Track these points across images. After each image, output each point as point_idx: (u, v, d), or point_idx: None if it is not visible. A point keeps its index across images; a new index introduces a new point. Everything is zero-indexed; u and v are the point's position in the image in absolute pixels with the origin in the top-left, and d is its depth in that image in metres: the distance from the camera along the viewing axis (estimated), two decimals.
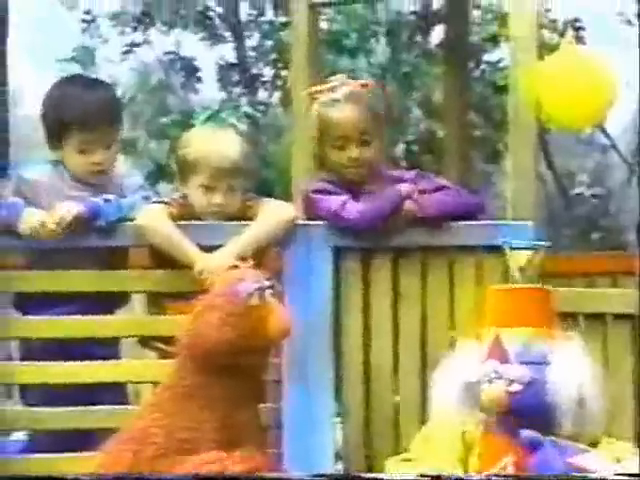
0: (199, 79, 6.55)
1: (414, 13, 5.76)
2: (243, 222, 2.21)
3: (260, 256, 2.16)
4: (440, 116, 4.46)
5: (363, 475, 2.11)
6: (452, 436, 2.03)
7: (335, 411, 2.23)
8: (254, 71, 6.52)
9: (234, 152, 2.21)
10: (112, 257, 2.24)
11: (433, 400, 2.09)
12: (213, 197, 2.21)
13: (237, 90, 6.54)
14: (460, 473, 1.98)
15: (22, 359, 2.26)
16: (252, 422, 2.04)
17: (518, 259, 2.15)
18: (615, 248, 5.53)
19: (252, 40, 6.56)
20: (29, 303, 2.22)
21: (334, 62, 5.33)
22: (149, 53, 6.61)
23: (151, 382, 2.18)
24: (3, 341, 2.38)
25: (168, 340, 2.12)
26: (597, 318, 2.22)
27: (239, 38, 6.56)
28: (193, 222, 2.21)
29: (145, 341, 2.27)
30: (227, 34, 6.58)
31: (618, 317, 2.22)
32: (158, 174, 5.86)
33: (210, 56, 6.61)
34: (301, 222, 2.24)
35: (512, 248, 2.15)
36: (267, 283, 2.00)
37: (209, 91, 6.63)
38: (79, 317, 2.17)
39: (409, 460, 2.06)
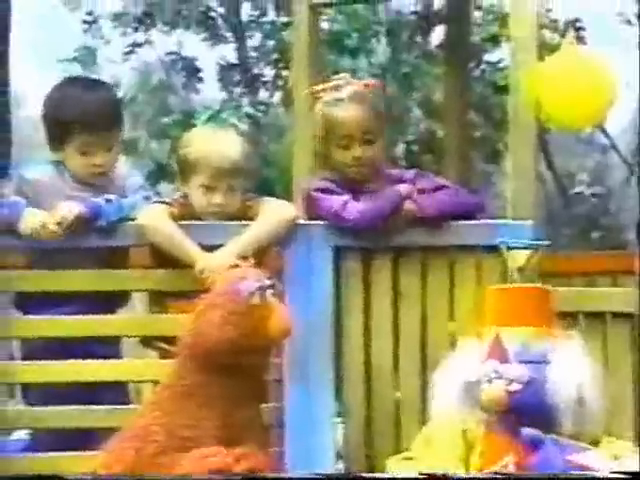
0: (200, 79, 6.55)
1: (415, 13, 5.77)
2: (244, 222, 2.22)
3: (261, 256, 2.17)
4: (440, 116, 4.46)
5: (364, 475, 2.11)
6: (453, 435, 2.04)
7: (336, 411, 2.23)
8: (255, 71, 6.52)
9: (235, 152, 2.22)
10: (113, 257, 2.25)
11: (434, 400, 2.09)
12: (214, 197, 2.21)
13: (238, 90, 6.54)
14: (462, 472, 1.99)
15: (23, 358, 2.26)
16: (253, 421, 2.05)
17: (516, 259, 2.16)
18: (615, 247, 5.53)
19: (253, 40, 6.57)
20: (30, 303, 2.23)
21: (335, 62, 5.34)
22: (151, 53, 6.63)
23: (152, 381, 2.18)
24: (5, 341, 2.39)
25: (170, 339, 2.12)
26: (597, 317, 2.23)
27: (240, 38, 6.57)
28: (194, 222, 2.22)
29: (147, 341, 2.27)
30: (228, 34, 6.58)
31: (618, 316, 2.22)
32: (159, 174, 5.87)
33: (211, 56, 6.62)
34: (302, 222, 2.24)
35: (509, 248, 2.15)
36: (268, 282, 2.01)
37: (210, 91, 6.64)
38: (80, 317, 2.18)
39: (410, 459, 2.07)
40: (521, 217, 2.26)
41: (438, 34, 5.46)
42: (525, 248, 2.16)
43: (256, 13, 6.55)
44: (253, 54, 6.55)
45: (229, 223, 2.22)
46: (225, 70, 6.54)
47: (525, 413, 2.00)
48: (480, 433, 2.03)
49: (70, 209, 2.17)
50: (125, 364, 2.25)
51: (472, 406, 2.04)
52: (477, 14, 5.43)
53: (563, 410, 2.00)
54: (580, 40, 4.93)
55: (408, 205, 2.23)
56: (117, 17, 6.43)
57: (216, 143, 2.23)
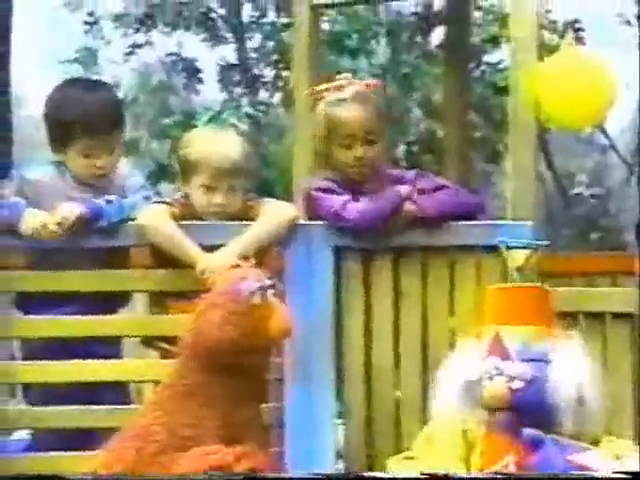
0: (201, 80, 6.56)
1: (415, 14, 5.77)
2: (244, 222, 2.22)
3: (261, 256, 2.17)
4: (440, 116, 4.46)
5: (364, 474, 2.11)
6: (454, 435, 2.04)
7: (336, 411, 2.23)
8: (255, 72, 6.52)
9: (235, 152, 2.22)
10: (113, 257, 2.25)
11: (435, 399, 2.10)
12: (214, 197, 2.22)
13: (238, 91, 6.55)
14: (462, 472, 1.99)
15: (24, 358, 2.27)
16: (254, 421, 2.05)
17: (515, 259, 2.16)
18: (614, 248, 5.53)
19: (254, 41, 6.57)
20: (31, 303, 2.23)
21: (335, 63, 5.34)
22: (151, 54, 6.63)
23: (153, 381, 2.18)
24: (5, 341, 2.39)
25: (170, 340, 2.13)
26: (596, 317, 2.23)
27: (241, 39, 6.57)
28: (194, 222, 2.22)
29: (148, 341, 2.28)
30: (229, 35, 6.59)
31: (617, 316, 2.23)
32: (160, 174, 5.88)
33: (212, 57, 6.62)
34: (302, 222, 2.25)
35: (509, 248, 2.16)
36: (269, 282, 2.01)
37: (211, 92, 6.64)
38: (81, 317, 2.18)
39: (411, 458, 2.07)
40: (521, 217, 2.26)
41: (438, 35, 5.47)
42: (524, 248, 2.16)
43: (256, 14, 6.55)
44: (253, 55, 6.55)
45: (230, 223, 2.22)
46: (225, 71, 6.54)
47: (526, 411, 2.00)
48: (481, 433, 2.03)
49: (71, 210, 2.17)
50: (126, 364, 2.25)
51: (473, 405, 2.05)
52: (477, 15, 5.43)
53: (564, 409, 2.01)
54: (579, 41, 4.94)
55: (408, 206, 2.23)
56: (118, 18, 6.44)
57: (217, 143, 2.23)
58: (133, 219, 2.22)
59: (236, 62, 6.61)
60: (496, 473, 1.98)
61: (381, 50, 5.72)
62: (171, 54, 6.58)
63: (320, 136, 2.29)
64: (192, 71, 6.52)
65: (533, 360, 2.02)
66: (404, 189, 2.25)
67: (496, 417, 2.02)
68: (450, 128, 3.15)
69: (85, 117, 2.23)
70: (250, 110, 6.18)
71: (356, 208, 2.21)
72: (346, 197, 2.23)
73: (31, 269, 2.25)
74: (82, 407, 2.16)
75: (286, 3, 5.68)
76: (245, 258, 2.10)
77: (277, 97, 6.43)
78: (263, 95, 6.53)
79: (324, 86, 2.32)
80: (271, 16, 6.50)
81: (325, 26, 5.28)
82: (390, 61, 5.67)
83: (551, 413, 2.01)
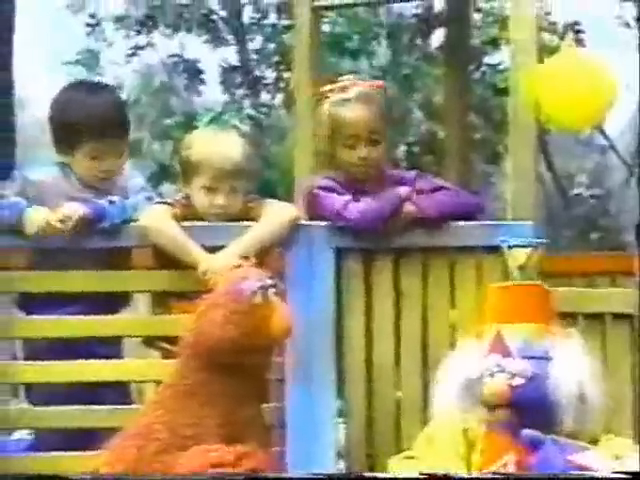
0: (202, 81, 6.56)
1: (415, 16, 5.78)
2: (246, 223, 2.23)
3: (262, 257, 2.18)
4: (441, 118, 4.47)
5: (365, 474, 2.12)
6: (454, 434, 2.05)
7: (337, 410, 2.24)
8: (257, 73, 6.53)
9: (236, 154, 2.23)
10: (114, 258, 2.26)
11: (435, 398, 2.10)
12: (216, 198, 2.23)
13: (240, 92, 6.55)
14: (463, 472, 1.99)
15: (26, 359, 2.27)
16: (255, 420, 2.06)
17: (517, 257, 2.17)
18: (614, 248, 5.53)
19: (255, 43, 6.58)
20: (33, 303, 2.24)
21: (336, 64, 5.35)
22: (153, 56, 6.63)
23: (154, 381, 2.19)
24: (8, 341, 2.40)
25: (172, 340, 2.13)
26: (596, 318, 2.24)
27: (242, 41, 6.58)
28: (196, 223, 2.23)
29: (150, 341, 2.29)
30: (230, 37, 6.59)
31: (617, 317, 2.24)
32: (162, 175, 5.89)
33: (213, 59, 6.63)
34: (303, 223, 2.25)
35: (510, 247, 2.17)
36: (270, 282, 2.02)
37: (212, 93, 6.65)
38: (83, 317, 2.19)
39: (412, 458, 2.07)
40: (521, 218, 2.27)
41: (438, 37, 5.47)
42: (525, 246, 2.17)
43: (257, 16, 6.56)
44: (255, 56, 6.56)
45: (231, 224, 2.23)
46: (227, 72, 6.55)
47: (526, 408, 2.00)
48: (481, 431, 2.04)
49: (74, 209, 2.18)
50: (128, 364, 2.26)
51: (473, 403, 2.05)
52: (477, 17, 5.44)
53: (565, 406, 2.02)
54: (579, 42, 4.94)
55: (408, 206, 2.24)
56: (119, 20, 6.44)
57: (218, 145, 2.24)
58: (135, 220, 2.23)
59: (237, 64, 6.62)
60: (496, 473, 1.98)
61: (382, 52, 5.73)
62: (173, 56, 6.58)
63: (324, 136, 2.30)
64: (194, 72, 6.53)
65: (534, 358, 2.03)
66: (404, 190, 2.26)
67: (496, 415, 2.02)
68: (450, 129, 3.16)
69: (93, 120, 2.23)
70: (252, 111, 6.19)
71: (357, 208, 2.22)
72: (347, 197, 2.24)
73: (33, 269, 2.26)
74: (83, 407, 2.17)
75: (287, 5, 5.69)
76: (246, 258, 2.11)
77: (278, 98, 6.44)
78: (264, 97, 6.54)
79: (328, 87, 2.34)
80: (272, 18, 6.51)
81: (326, 28, 5.28)
82: (391, 63, 5.68)
83: (551, 410, 2.01)
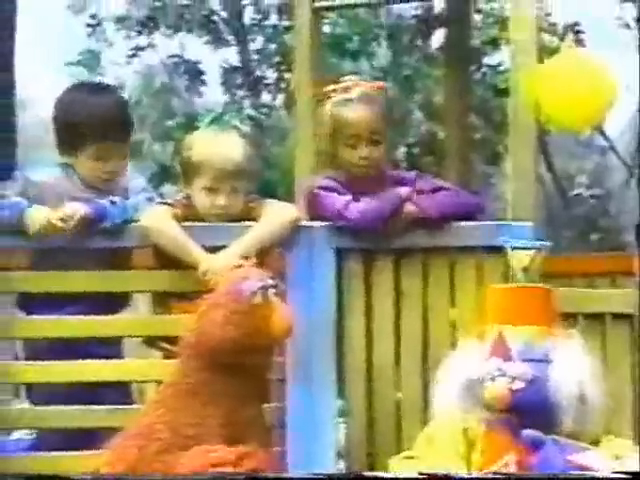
0: (203, 82, 6.57)
1: (415, 17, 5.78)
2: (246, 223, 2.23)
3: (263, 257, 2.19)
4: (441, 118, 4.47)
5: (365, 474, 2.13)
6: (455, 433, 2.05)
7: (338, 410, 2.25)
8: (258, 74, 6.54)
9: (237, 154, 2.24)
10: (115, 258, 2.26)
11: (436, 398, 2.11)
12: (216, 199, 2.23)
13: (241, 93, 6.56)
14: (463, 472, 2.00)
15: (27, 359, 2.28)
16: (256, 420, 2.06)
17: (521, 259, 2.17)
18: (614, 249, 5.53)
19: (256, 43, 6.58)
20: (33, 303, 2.24)
21: (336, 65, 5.36)
22: (154, 56, 6.64)
23: (155, 381, 2.19)
24: (9, 341, 2.40)
25: (173, 340, 2.14)
26: (596, 318, 2.24)
27: (243, 42, 6.58)
28: (197, 223, 2.24)
29: (151, 341, 2.29)
30: (231, 38, 6.60)
31: (617, 317, 2.24)
32: (163, 176, 5.89)
33: (214, 59, 6.64)
34: (304, 224, 2.26)
35: (514, 248, 2.17)
36: (270, 282, 2.03)
37: (213, 94, 6.65)
38: (84, 317, 2.19)
39: (412, 458, 2.08)
40: (521, 218, 2.28)
41: (439, 37, 5.48)
42: (529, 248, 2.17)
43: (258, 17, 6.57)
44: (255, 57, 6.57)
45: (232, 225, 2.23)
46: (228, 73, 6.55)
47: (527, 411, 2.01)
48: (481, 431, 2.04)
49: (76, 209, 2.18)
50: (129, 364, 2.26)
51: (474, 404, 2.06)
52: (477, 17, 5.44)
53: (565, 408, 2.02)
54: (579, 43, 4.94)
55: (409, 207, 2.25)
56: (120, 20, 6.45)
57: (219, 145, 2.25)
58: (136, 220, 2.23)
59: (238, 64, 6.63)
60: (496, 473, 1.99)
61: (382, 52, 5.73)
62: (173, 56, 6.59)
63: (325, 135, 2.31)
64: (194, 73, 6.53)
65: (535, 360, 2.04)
66: (404, 190, 2.27)
67: (497, 418, 2.03)
68: (451, 130, 3.17)
69: (98, 121, 2.24)
70: (252, 112, 6.20)
71: (357, 208, 2.23)
72: (348, 197, 2.25)
73: (34, 270, 2.26)
74: (83, 407, 2.17)
75: (288, 6, 5.69)
76: (246, 258, 2.11)
77: (279, 99, 6.44)
78: (265, 97, 6.54)
79: (331, 87, 2.35)
80: (273, 19, 6.51)
81: (326, 29, 5.29)
82: (391, 63, 5.69)
83: (552, 413, 2.02)
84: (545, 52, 2.47)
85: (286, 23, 6.10)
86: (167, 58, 6.68)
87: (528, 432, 1.99)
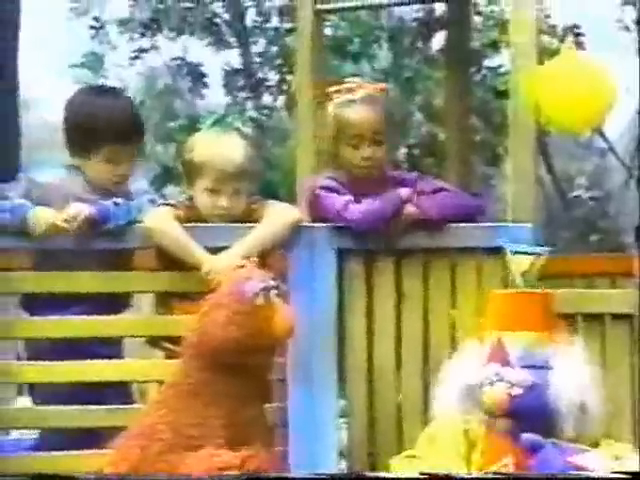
0: (205, 84, 6.59)
1: (416, 19, 5.80)
2: (248, 224, 2.24)
3: (265, 258, 2.20)
4: (441, 120, 4.48)
5: (367, 474, 2.13)
6: (455, 434, 2.05)
7: (339, 410, 2.26)
8: (259, 76, 6.55)
9: (239, 156, 2.25)
10: (117, 259, 2.27)
11: (436, 402, 2.11)
12: (219, 200, 2.24)
13: (243, 95, 6.57)
14: (463, 472, 2.00)
15: (29, 359, 2.28)
16: (258, 420, 2.07)
17: (520, 264, 2.17)
18: (614, 250, 5.53)
19: (258, 46, 6.60)
20: (36, 304, 2.25)
21: (338, 67, 5.37)
22: (156, 59, 6.65)
23: (158, 381, 2.20)
24: (12, 341, 2.41)
25: (175, 340, 2.15)
26: (596, 319, 2.24)
27: (245, 44, 6.60)
28: (199, 224, 2.25)
29: (154, 341, 2.30)
30: (233, 40, 6.61)
31: (617, 317, 2.24)
32: (165, 177, 5.90)
33: (216, 61, 6.65)
34: (305, 224, 2.27)
35: (514, 253, 2.17)
36: (272, 283, 2.03)
37: (215, 96, 6.66)
38: (86, 317, 2.20)
39: (414, 457, 2.08)
40: (521, 220, 2.28)
41: (439, 40, 5.49)
42: (529, 253, 2.17)
43: (260, 19, 6.58)
44: (257, 59, 6.58)
45: (234, 225, 2.24)
46: (230, 75, 6.57)
47: (526, 417, 2.01)
48: (482, 432, 2.05)
49: (80, 210, 2.19)
50: (131, 364, 2.27)
51: (474, 407, 2.06)
52: (477, 20, 5.45)
53: (565, 415, 2.02)
54: (579, 45, 4.94)
55: (409, 208, 2.26)
56: (124, 23, 6.47)
57: (220, 147, 2.25)
58: (140, 222, 2.24)
59: (240, 66, 6.64)
60: (496, 473, 1.99)
61: (383, 55, 5.74)
62: (176, 58, 6.61)
63: (328, 136, 2.33)
64: (197, 75, 6.54)
65: (534, 367, 2.03)
66: (405, 191, 2.28)
67: (497, 424, 2.03)
68: (451, 131, 3.17)
69: (114, 124, 2.25)
70: (254, 114, 6.21)
71: (357, 209, 2.24)
72: (348, 197, 2.26)
73: (37, 271, 2.26)
74: (82, 407, 2.18)
75: (289, 8, 5.71)
76: (248, 259, 2.12)
77: (281, 101, 6.45)
78: (267, 99, 6.55)
79: (334, 88, 2.36)
80: (275, 21, 6.53)
81: (328, 31, 5.29)
82: (392, 65, 5.70)
83: (551, 419, 2.02)
84: (545, 54, 2.48)
85: (288, 25, 6.11)
86: (170, 60, 6.69)
87: (527, 436, 1.99)
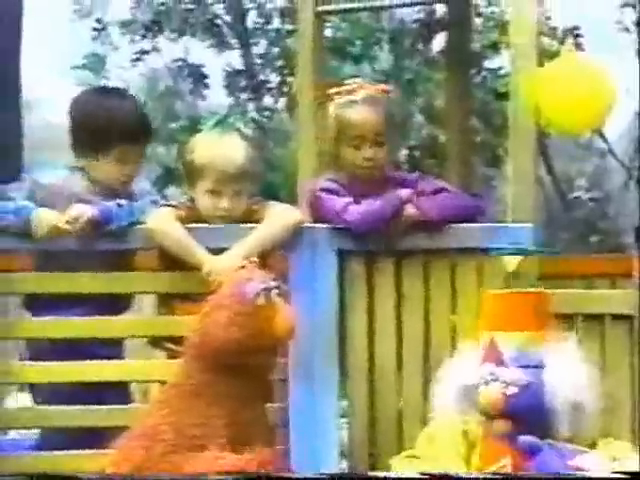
0: (207, 85, 6.60)
1: (417, 21, 5.81)
2: (249, 225, 2.25)
3: (266, 259, 2.20)
4: (442, 121, 4.49)
5: (368, 474, 2.14)
6: (455, 434, 2.06)
7: (340, 410, 2.26)
8: (261, 77, 6.56)
9: (240, 157, 2.25)
10: (119, 260, 2.27)
11: (435, 402, 2.12)
12: (220, 201, 2.25)
13: (244, 96, 6.58)
14: (463, 472, 2.00)
15: (30, 359, 2.28)
16: (260, 420, 2.08)
17: (508, 264, 2.18)
18: (613, 250, 5.53)
19: (259, 47, 6.61)
20: (39, 305, 2.26)
21: (338, 69, 5.38)
22: (158, 60, 6.67)
23: (160, 381, 2.20)
24: (14, 341, 2.42)
25: (177, 340, 2.15)
26: (596, 319, 2.25)
27: (246, 45, 6.61)
28: (200, 225, 2.25)
29: (156, 341, 2.31)
30: (234, 41, 6.63)
31: (617, 318, 2.24)
32: (167, 178, 5.91)
33: (218, 63, 6.66)
34: (306, 225, 2.27)
35: (499, 254, 2.17)
36: (273, 283, 2.04)
37: (216, 97, 6.67)
38: (88, 318, 2.21)
39: (414, 457, 2.09)
40: (521, 220, 2.29)
41: (440, 41, 5.50)
42: (515, 253, 2.18)
43: (261, 21, 6.59)
44: (258, 61, 6.59)
45: (235, 226, 2.25)
46: (231, 76, 6.58)
47: (522, 417, 2.01)
48: (480, 433, 2.06)
49: (83, 211, 2.20)
50: (133, 365, 2.28)
51: (471, 408, 2.06)
52: (478, 21, 5.46)
53: (560, 414, 2.02)
54: (579, 47, 4.94)
55: (409, 209, 2.27)
56: (125, 25, 6.48)
57: (221, 148, 2.26)
58: (142, 223, 2.25)
59: (242, 68, 6.65)
60: (496, 473, 1.99)
61: (384, 56, 5.75)
62: (178, 60, 6.62)
63: (329, 137, 2.33)
64: (198, 77, 6.55)
65: (528, 366, 2.03)
66: (405, 192, 2.29)
67: (494, 425, 2.03)
68: (451, 133, 3.18)
69: (123, 124, 2.26)
70: (255, 115, 6.22)
71: (357, 210, 2.25)
72: (348, 199, 2.27)
73: (39, 272, 2.27)
74: (83, 407, 2.18)
75: (290, 10, 5.72)
76: (249, 260, 2.13)
77: (282, 102, 6.46)
78: (268, 100, 6.56)
79: (335, 89, 2.37)
80: (276, 23, 6.54)
81: (329, 32, 5.31)
82: (393, 67, 5.70)
83: (547, 418, 2.02)
84: (545, 56, 2.49)
85: (289, 27, 6.12)
86: (171, 62, 6.70)
87: (525, 438, 1.99)
